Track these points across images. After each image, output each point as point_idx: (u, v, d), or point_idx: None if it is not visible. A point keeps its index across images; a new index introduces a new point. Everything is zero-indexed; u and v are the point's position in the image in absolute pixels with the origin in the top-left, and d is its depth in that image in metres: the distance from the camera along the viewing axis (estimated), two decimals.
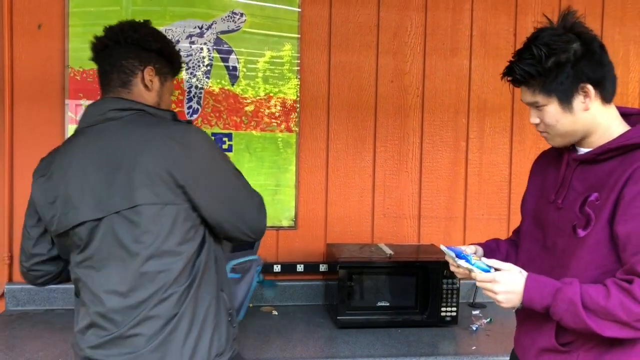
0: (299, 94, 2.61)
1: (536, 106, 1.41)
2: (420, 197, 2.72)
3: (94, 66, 2.37)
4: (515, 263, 1.48)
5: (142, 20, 1.59)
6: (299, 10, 2.58)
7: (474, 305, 2.59)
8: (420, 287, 2.31)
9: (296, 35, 2.59)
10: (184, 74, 2.51)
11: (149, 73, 1.53)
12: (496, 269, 1.43)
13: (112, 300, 1.40)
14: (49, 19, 2.42)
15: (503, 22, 2.71)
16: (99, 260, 1.42)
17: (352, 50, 2.64)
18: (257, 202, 1.58)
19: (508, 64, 1.42)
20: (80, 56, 2.43)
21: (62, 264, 1.59)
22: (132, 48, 1.52)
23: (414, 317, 2.30)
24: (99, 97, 1.56)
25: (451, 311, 2.29)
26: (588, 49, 1.35)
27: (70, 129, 2.44)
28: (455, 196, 2.75)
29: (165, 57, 1.58)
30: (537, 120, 1.43)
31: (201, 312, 1.45)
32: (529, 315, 1.47)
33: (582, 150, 1.44)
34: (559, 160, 1.50)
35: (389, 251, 2.40)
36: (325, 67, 2.63)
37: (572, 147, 1.46)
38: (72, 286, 2.38)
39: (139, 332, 1.38)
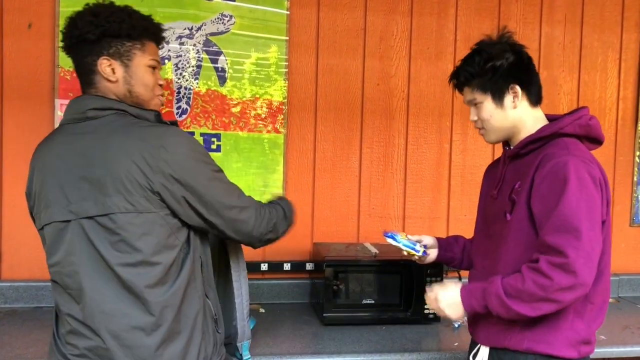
0: (286, 96, 2.65)
1: (474, 103, 1.65)
2: (405, 197, 2.78)
3: None
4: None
5: (79, 11, 1.44)
6: (287, 13, 2.62)
7: None
8: (405, 285, 2.36)
9: (284, 38, 2.63)
10: (173, 75, 2.54)
11: (103, 64, 1.42)
12: (417, 241, 1.91)
13: (89, 307, 1.36)
14: (39, 19, 2.43)
15: (486, 27, 2.78)
16: (69, 264, 1.38)
17: (340, 53, 2.69)
18: (239, 205, 1.48)
19: (454, 69, 1.69)
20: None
21: None
22: (80, 45, 1.42)
23: (398, 314, 2.35)
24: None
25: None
26: (518, 58, 1.62)
27: None
28: (439, 197, 2.81)
29: (115, 35, 1.41)
30: (475, 117, 1.68)
31: (187, 323, 1.41)
32: None
33: None
34: (499, 163, 1.74)
35: (374, 250, 2.45)
36: (313, 69, 2.67)
37: (508, 148, 1.70)
38: None
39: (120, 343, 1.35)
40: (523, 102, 1.63)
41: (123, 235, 1.33)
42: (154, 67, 1.50)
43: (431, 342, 2.18)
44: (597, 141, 1.64)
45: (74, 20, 1.43)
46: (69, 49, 1.46)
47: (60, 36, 1.49)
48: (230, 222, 1.48)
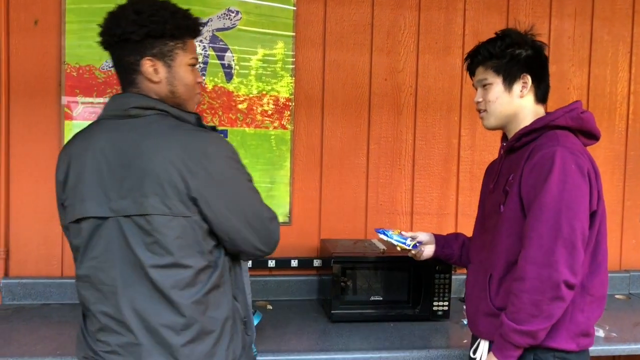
0: (292, 92, 2.63)
1: (483, 84, 1.68)
2: (413, 193, 2.76)
3: (90, 62, 2.47)
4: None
5: (125, 4, 1.40)
6: (294, 8, 2.61)
7: (464, 300, 2.62)
8: (413, 282, 2.34)
9: (291, 34, 2.61)
10: None
11: (147, 65, 1.40)
12: (412, 237, 1.97)
13: (122, 304, 1.36)
14: (45, 15, 2.43)
15: (495, 21, 2.75)
16: (105, 261, 1.38)
17: (347, 49, 2.67)
18: (269, 216, 1.50)
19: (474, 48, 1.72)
20: (76, 52, 2.45)
21: None
22: (122, 44, 1.39)
23: (406, 311, 2.34)
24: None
25: (443, 306, 2.33)
26: (537, 53, 1.66)
27: (67, 125, 2.45)
28: (447, 192, 2.79)
29: (159, 36, 1.39)
30: (480, 99, 1.70)
31: (216, 325, 1.41)
32: (472, 285, 1.73)
33: None
34: (498, 158, 1.77)
35: (382, 246, 2.43)
36: (320, 65, 2.65)
37: (505, 143, 1.72)
38: (68, 281, 2.42)
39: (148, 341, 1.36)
40: (529, 95, 1.66)
41: (157, 237, 1.34)
42: (193, 65, 1.48)
43: (440, 339, 2.16)
44: (592, 136, 1.66)
45: (117, 18, 1.40)
46: (108, 46, 1.44)
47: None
48: (261, 231, 1.49)
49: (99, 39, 1.44)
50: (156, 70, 1.41)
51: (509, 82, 1.64)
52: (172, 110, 1.42)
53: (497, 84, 1.65)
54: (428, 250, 1.99)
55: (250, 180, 1.47)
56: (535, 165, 1.51)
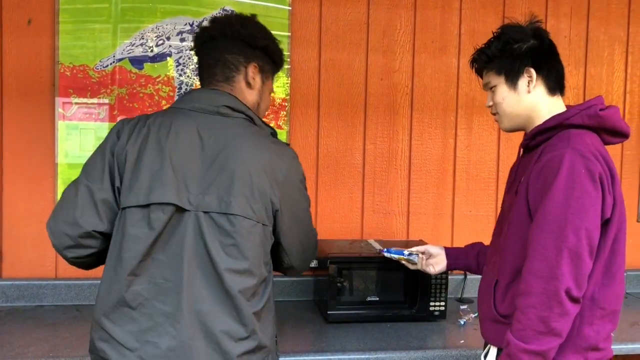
0: (288, 92, 2.62)
1: (490, 87, 1.62)
2: (409, 193, 2.75)
3: (84, 62, 2.45)
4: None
5: (249, 15, 1.54)
6: (289, 8, 2.60)
7: (461, 300, 2.62)
8: (409, 282, 2.33)
9: (286, 34, 2.60)
10: (174, 71, 2.52)
11: (252, 70, 1.49)
12: (422, 252, 1.97)
13: (184, 303, 1.31)
14: (38, 15, 2.41)
15: (491, 20, 2.74)
16: (175, 255, 1.32)
17: (342, 48, 2.66)
18: (316, 239, 1.62)
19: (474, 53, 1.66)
20: (70, 52, 2.43)
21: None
22: (238, 43, 1.47)
23: (403, 311, 2.32)
24: (201, 87, 1.53)
25: (440, 306, 2.32)
26: (539, 43, 1.57)
27: (60, 125, 2.43)
28: (444, 193, 2.78)
29: (270, 55, 1.53)
30: (490, 102, 1.64)
31: (266, 339, 1.41)
32: (482, 289, 1.66)
33: None
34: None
35: (378, 247, 2.42)
36: (316, 64, 2.64)
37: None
38: (61, 282, 2.40)
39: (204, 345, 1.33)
40: (539, 89, 1.56)
41: (238, 240, 1.33)
42: (271, 92, 1.64)
43: (437, 340, 2.15)
44: (618, 134, 1.54)
45: (242, 20, 1.51)
46: (220, 38, 1.48)
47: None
48: (308, 252, 1.57)
49: (209, 24, 1.51)
50: (255, 78, 1.50)
51: (512, 79, 1.56)
52: (256, 119, 1.46)
53: (500, 85, 1.58)
54: (440, 264, 1.97)
55: (309, 201, 1.57)
56: (542, 169, 1.42)
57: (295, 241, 1.49)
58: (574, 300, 1.36)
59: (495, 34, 1.62)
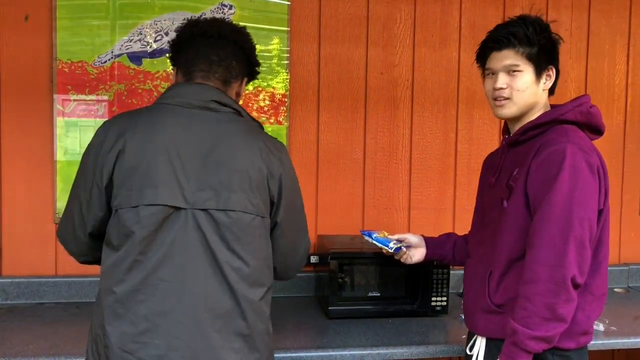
0: (288, 88, 2.60)
1: (513, 70, 1.56)
2: (410, 188, 2.73)
3: (82, 58, 2.44)
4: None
5: (246, 30, 1.56)
6: (289, 3, 2.58)
7: (462, 295, 2.60)
8: (411, 277, 2.32)
9: (285, 29, 2.58)
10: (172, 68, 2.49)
11: (244, 83, 1.54)
12: (398, 240, 1.95)
13: (187, 303, 1.30)
14: (36, 11, 2.39)
15: (492, 14, 2.73)
16: (172, 256, 1.30)
17: (342, 43, 2.64)
18: (307, 245, 1.59)
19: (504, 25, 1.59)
20: (68, 49, 2.41)
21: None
22: (243, 54, 1.51)
23: (404, 307, 2.32)
24: (189, 80, 1.45)
25: (441, 301, 2.31)
26: (555, 44, 1.60)
27: (59, 122, 2.42)
28: (445, 187, 2.76)
29: (254, 73, 1.58)
30: (504, 85, 1.57)
31: (262, 341, 1.41)
32: (471, 280, 1.69)
33: None
34: (499, 151, 1.71)
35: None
36: (315, 59, 2.63)
37: (508, 135, 1.67)
38: (62, 280, 2.39)
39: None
40: (547, 88, 1.61)
41: (238, 235, 1.32)
42: None
43: (438, 335, 2.14)
44: (597, 131, 1.62)
45: (248, 35, 1.54)
46: (229, 41, 1.49)
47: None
48: (298, 242, 1.55)
49: (218, 24, 1.51)
50: (242, 91, 1.56)
51: (539, 72, 1.56)
52: (244, 112, 1.46)
53: (528, 73, 1.55)
54: (418, 254, 1.97)
55: (300, 195, 1.55)
56: (543, 162, 1.46)
57: (289, 237, 1.49)
58: (577, 286, 1.42)
59: (521, 19, 1.57)
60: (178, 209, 1.30)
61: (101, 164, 1.33)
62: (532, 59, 1.55)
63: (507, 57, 1.56)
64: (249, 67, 1.55)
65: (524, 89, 1.56)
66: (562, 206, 1.41)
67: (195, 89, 1.41)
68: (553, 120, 1.54)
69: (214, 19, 1.52)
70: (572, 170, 1.42)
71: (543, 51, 1.55)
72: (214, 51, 1.46)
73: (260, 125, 1.51)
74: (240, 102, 1.60)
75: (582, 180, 1.42)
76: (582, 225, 1.41)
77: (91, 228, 1.39)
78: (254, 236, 1.35)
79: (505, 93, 1.57)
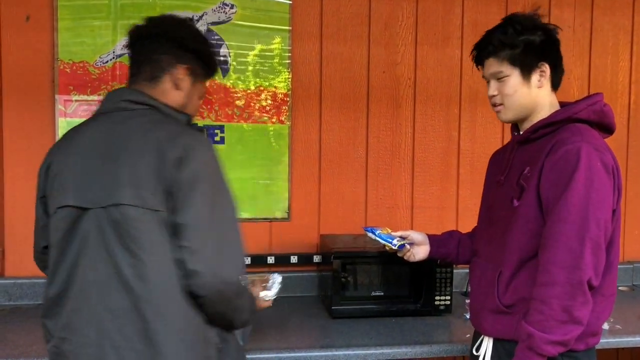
0: (290, 87, 2.60)
1: (499, 77, 1.57)
2: (413, 187, 2.73)
3: (84, 59, 2.43)
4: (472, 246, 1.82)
5: (185, 18, 1.55)
6: (290, 2, 2.57)
7: (467, 294, 2.60)
8: (414, 276, 2.31)
9: (287, 28, 2.58)
10: None
11: (181, 72, 1.47)
12: (401, 237, 1.89)
13: (88, 309, 1.32)
14: (37, 11, 2.39)
15: (494, 12, 2.72)
16: (82, 257, 1.32)
17: (344, 41, 2.63)
18: (240, 246, 1.39)
19: (482, 38, 1.61)
20: (70, 49, 2.41)
21: None
22: (170, 44, 1.47)
23: (408, 306, 2.31)
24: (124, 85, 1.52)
25: (445, 300, 2.31)
26: (550, 37, 1.56)
27: (61, 122, 2.42)
28: (448, 186, 2.76)
29: (203, 59, 1.53)
30: (495, 92, 1.59)
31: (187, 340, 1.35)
32: (479, 280, 1.66)
33: None
34: (507, 149, 1.69)
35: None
36: (317, 58, 2.62)
37: (517, 133, 1.64)
38: None
39: None
40: (547, 84, 1.57)
41: (129, 230, 1.30)
42: (201, 98, 1.62)
43: (442, 334, 2.13)
44: (608, 130, 1.59)
45: (176, 22, 1.51)
46: (153, 37, 1.47)
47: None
48: (224, 247, 1.36)
49: (143, 23, 1.50)
50: (184, 80, 1.49)
51: (526, 73, 1.54)
52: (162, 107, 1.43)
53: (514, 76, 1.55)
54: (422, 252, 1.93)
55: (228, 197, 1.38)
56: (558, 161, 1.43)
57: (205, 237, 1.31)
58: (592, 288, 1.40)
59: (506, 20, 1.58)
60: (85, 209, 1.33)
61: (39, 180, 1.45)
62: (515, 61, 1.54)
63: (491, 65, 1.59)
64: (184, 54, 1.48)
65: (512, 93, 1.56)
66: (578, 207, 1.39)
67: (113, 93, 1.47)
68: (567, 119, 1.51)
69: (140, 24, 1.51)
70: (588, 170, 1.39)
71: (529, 49, 1.53)
72: (138, 52, 1.49)
73: (187, 119, 1.48)
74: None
75: (597, 180, 1.40)
76: (598, 226, 1.39)
77: (44, 242, 1.47)
78: (146, 231, 1.29)
79: (498, 99, 1.60)
